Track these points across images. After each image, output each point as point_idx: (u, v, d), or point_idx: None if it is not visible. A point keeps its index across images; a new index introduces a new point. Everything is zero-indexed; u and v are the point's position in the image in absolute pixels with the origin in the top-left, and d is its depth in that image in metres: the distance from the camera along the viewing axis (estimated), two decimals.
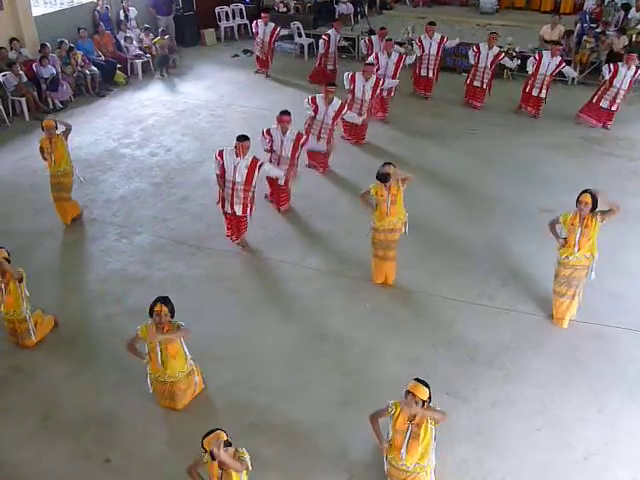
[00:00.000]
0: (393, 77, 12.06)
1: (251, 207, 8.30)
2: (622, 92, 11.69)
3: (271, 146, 9.00)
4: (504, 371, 6.58)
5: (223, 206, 8.27)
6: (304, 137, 8.96)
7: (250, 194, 8.16)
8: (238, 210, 8.20)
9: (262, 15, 14.97)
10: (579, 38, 14.76)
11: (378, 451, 5.33)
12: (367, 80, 10.96)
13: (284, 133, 8.81)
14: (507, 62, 13.16)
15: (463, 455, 5.66)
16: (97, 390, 6.43)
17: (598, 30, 14.73)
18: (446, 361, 6.68)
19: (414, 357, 6.70)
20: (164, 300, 5.71)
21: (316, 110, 10.04)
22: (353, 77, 11.09)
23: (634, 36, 14.43)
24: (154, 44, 15.32)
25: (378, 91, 11.26)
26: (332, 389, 6.38)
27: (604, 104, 11.88)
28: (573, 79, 14.18)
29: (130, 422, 6.07)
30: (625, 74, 11.58)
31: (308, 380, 6.51)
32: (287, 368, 6.68)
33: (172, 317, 5.77)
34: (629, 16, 15.32)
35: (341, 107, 10.05)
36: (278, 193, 9.35)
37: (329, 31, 14.33)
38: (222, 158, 7.99)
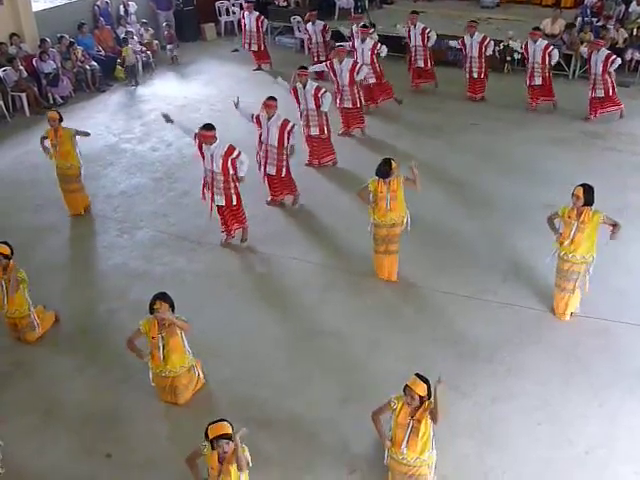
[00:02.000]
0: (371, 63, 12.06)
1: (237, 198, 8.21)
2: (599, 77, 11.65)
3: (260, 135, 8.93)
4: (505, 366, 6.58)
5: (204, 196, 8.23)
6: (290, 124, 8.80)
7: (231, 185, 8.06)
8: (219, 201, 8.14)
9: (246, 5, 15.09)
10: (579, 32, 14.71)
11: (380, 446, 5.34)
12: (341, 62, 11.01)
13: (269, 118, 8.75)
14: (490, 47, 12.82)
15: (464, 450, 5.66)
16: (99, 385, 6.44)
17: (599, 24, 14.68)
18: (447, 356, 6.68)
19: (415, 352, 6.70)
20: (162, 297, 5.76)
21: (298, 100, 10.02)
22: (331, 64, 11.18)
23: (635, 30, 14.39)
24: (122, 54, 14.57)
25: (359, 78, 11.17)
26: (333, 384, 6.40)
27: (593, 94, 11.88)
28: (574, 72, 14.19)
29: (131, 418, 6.09)
30: (596, 59, 11.62)
31: (309, 375, 6.52)
32: (288, 363, 6.69)
33: (173, 312, 5.80)
34: (630, 10, 15.27)
35: (316, 90, 9.87)
36: (277, 183, 9.28)
37: (307, 24, 14.50)
38: (200, 149, 7.99)
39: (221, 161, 7.86)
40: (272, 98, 8.76)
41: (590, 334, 6.97)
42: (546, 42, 12.32)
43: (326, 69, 11.42)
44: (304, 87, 9.88)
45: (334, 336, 7.02)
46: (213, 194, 8.12)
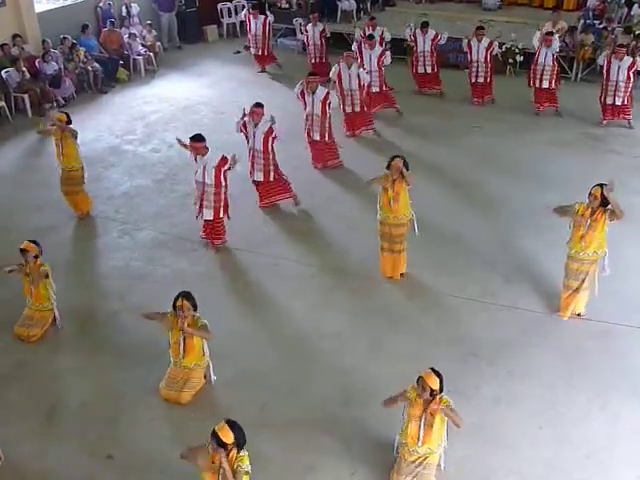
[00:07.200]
0: (378, 67, 12.06)
1: (224, 210, 8.16)
2: (622, 84, 11.58)
3: (248, 141, 8.93)
4: (507, 368, 6.57)
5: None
6: (274, 134, 8.77)
7: (222, 197, 8.03)
8: (207, 214, 8.10)
9: (251, 11, 15.08)
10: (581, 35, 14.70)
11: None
12: (349, 67, 11.03)
13: (256, 125, 8.76)
14: (496, 50, 12.94)
15: (465, 452, 5.65)
16: (99, 387, 6.44)
17: (601, 26, 14.67)
18: (448, 358, 6.64)
19: (416, 354, 6.68)
20: (185, 295, 5.95)
21: (305, 104, 10.02)
22: (338, 70, 11.18)
23: (637, 32, 14.37)
24: None
25: (364, 83, 11.19)
26: (334, 386, 6.39)
27: (609, 100, 11.82)
28: (577, 75, 14.19)
29: (133, 418, 6.09)
30: (619, 66, 11.52)
31: (310, 377, 6.52)
32: (289, 365, 6.68)
33: (195, 311, 6.00)
34: (632, 12, 15.26)
35: (326, 95, 9.91)
36: (266, 188, 9.25)
37: (308, 25, 14.48)
38: (195, 160, 7.97)
39: (213, 173, 7.82)
40: (259, 105, 8.77)
41: (592, 336, 6.97)
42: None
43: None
44: (313, 93, 9.90)
45: (335, 338, 7.02)
46: (202, 207, 8.08)
